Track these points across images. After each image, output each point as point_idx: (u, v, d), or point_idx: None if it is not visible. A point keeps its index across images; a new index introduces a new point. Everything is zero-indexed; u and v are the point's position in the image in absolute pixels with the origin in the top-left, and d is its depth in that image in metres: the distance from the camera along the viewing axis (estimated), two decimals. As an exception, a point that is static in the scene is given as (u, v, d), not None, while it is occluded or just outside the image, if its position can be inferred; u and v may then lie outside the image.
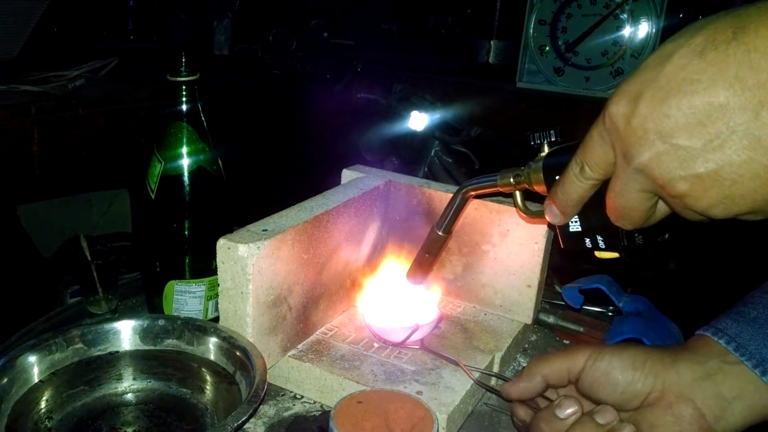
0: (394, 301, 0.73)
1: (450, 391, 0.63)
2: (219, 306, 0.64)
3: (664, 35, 1.40)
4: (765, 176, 0.38)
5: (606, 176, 0.46)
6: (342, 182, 0.82)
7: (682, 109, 0.39)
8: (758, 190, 0.38)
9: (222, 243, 0.61)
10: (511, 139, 1.29)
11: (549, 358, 0.57)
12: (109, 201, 1.79)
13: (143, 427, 0.60)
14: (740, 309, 0.54)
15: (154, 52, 1.77)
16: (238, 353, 0.62)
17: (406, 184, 0.81)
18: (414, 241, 0.80)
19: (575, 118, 1.46)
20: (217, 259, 0.62)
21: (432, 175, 1.25)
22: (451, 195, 0.67)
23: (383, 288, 0.75)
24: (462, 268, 0.80)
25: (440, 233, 0.67)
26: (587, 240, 0.53)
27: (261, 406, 0.64)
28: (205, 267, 0.72)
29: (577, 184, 0.48)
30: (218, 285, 0.63)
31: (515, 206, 0.60)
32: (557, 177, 0.51)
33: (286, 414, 0.64)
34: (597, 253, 0.54)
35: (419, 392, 0.62)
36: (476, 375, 0.65)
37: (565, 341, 0.82)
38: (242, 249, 0.59)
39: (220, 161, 0.73)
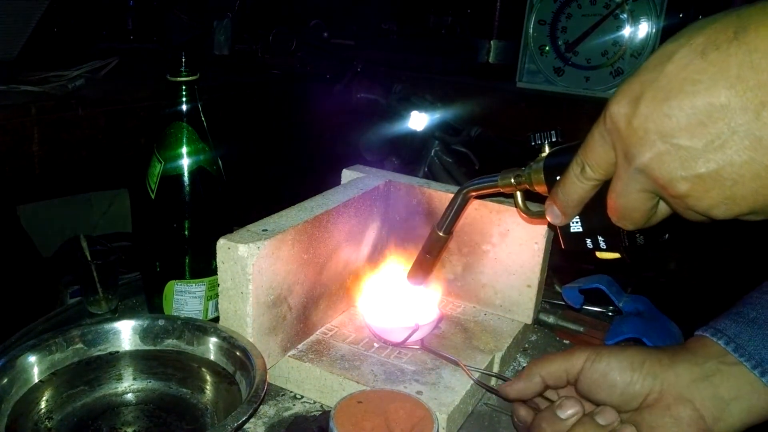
0: (394, 301, 0.73)
1: (450, 391, 0.63)
2: (219, 306, 0.64)
3: (664, 35, 1.40)
4: (766, 177, 0.38)
5: (607, 177, 0.46)
6: (342, 182, 0.82)
7: (684, 110, 0.39)
8: (759, 191, 0.38)
9: (222, 243, 0.61)
10: (511, 139, 1.29)
11: (548, 359, 0.57)
12: (109, 201, 1.79)
13: (143, 427, 0.60)
14: (739, 309, 0.54)
15: (154, 52, 1.77)
16: (238, 353, 0.62)
17: (406, 184, 0.81)
18: (414, 241, 0.80)
19: (575, 118, 1.46)
20: (217, 259, 0.62)
21: (432, 175, 1.25)
22: (452, 195, 0.67)
23: (383, 288, 0.75)
24: (462, 268, 0.80)
25: (441, 234, 0.67)
26: (588, 240, 0.53)
27: (261, 406, 0.64)
28: (205, 267, 0.72)
29: (578, 184, 0.48)
30: (218, 285, 0.63)
31: (516, 207, 0.60)
32: (558, 177, 0.51)
33: (286, 414, 0.64)
34: (598, 254, 0.54)
35: (419, 392, 0.62)
36: (476, 375, 0.65)
37: (565, 341, 0.82)
38: (242, 249, 0.59)
39: (220, 161, 0.73)
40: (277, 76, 1.77)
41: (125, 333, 0.66)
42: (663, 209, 0.46)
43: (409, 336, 0.68)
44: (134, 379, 0.65)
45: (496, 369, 0.72)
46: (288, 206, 0.69)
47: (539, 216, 0.56)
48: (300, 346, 0.69)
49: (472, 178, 0.64)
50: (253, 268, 0.60)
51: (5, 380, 0.57)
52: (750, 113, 0.37)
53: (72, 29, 1.73)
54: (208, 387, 0.64)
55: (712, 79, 0.38)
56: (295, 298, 0.67)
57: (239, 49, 1.82)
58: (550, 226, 0.59)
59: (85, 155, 1.27)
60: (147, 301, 0.77)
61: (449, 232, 0.67)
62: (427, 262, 0.70)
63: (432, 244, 0.68)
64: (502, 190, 0.60)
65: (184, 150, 0.70)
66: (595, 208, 0.49)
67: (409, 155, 1.28)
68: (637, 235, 0.50)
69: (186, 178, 0.70)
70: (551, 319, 0.84)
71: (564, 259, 0.81)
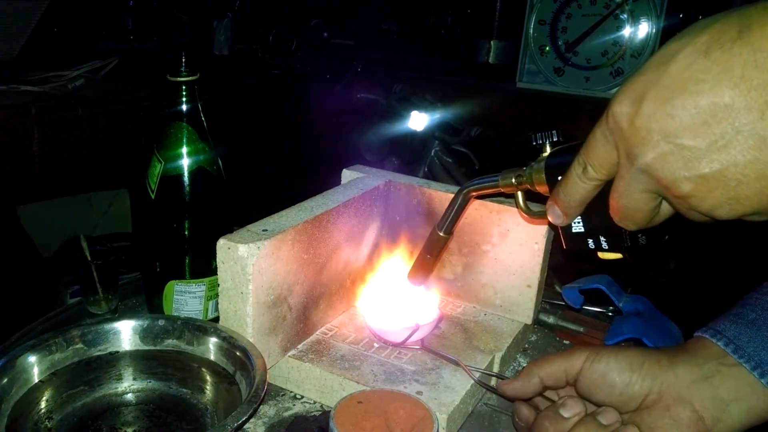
0: (394, 302, 0.73)
1: (450, 391, 0.63)
2: (219, 306, 0.64)
3: (664, 35, 1.40)
4: None
5: (609, 176, 0.46)
6: (342, 182, 0.82)
7: (687, 109, 0.39)
8: (763, 191, 0.38)
9: (222, 243, 0.61)
10: (511, 139, 1.29)
11: (547, 359, 0.57)
12: (109, 201, 1.79)
13: (143, 427, 0.60)
14: (739, 311, 0.54)
15: (154, 52, 1.77)
16: (238, 353, 0.62)
17: (406, 184, 0.81)
18: (414, 242, 0.80)
19: (575, 118, 1.46)
20: (217, 259, 0.62)
21: (432, 175, 1.25)
22: (452, 195, 0.67)
23: (383, 288, 0.75)
24: (462, 268, 0.80)
25: (441, 234, 0.67)
26: (590, 241, 0.53)
27: (261, 406, 0.64)
28: (205, 267, 0.72)
29: (579, 184, 0.48)
30: (218, 285, 0.63)
31: (517, 207, 0.60)
32: (559, 177, 0.51)
33: (286, 414, 0.64)
34: (600, 254, 0.53)
35: (419, 392, 0.62)
36: (477, 375, 0.65)
37: (565, 341, 0.82)
38: (242, 249, 0.59)
39: (220, 161, 0.73)
40: (277, 76, 1.77)
41: (125, 333, 0.66)
42: (666, 209, 0.46)
43: (410, 336, 0.68)
44: (134, 379, 0.65)
45: (496, 369, 0.72)
46: (288, 206, 0.69)
47: (540, 216, 0.56)
48: (300, 346, 0.69)
49: (473, 178, 0.64)
50: (253, 268, 0.60)
51: (5, 380, 0.57)
52: (754, 113, 0.37)
53: (72, 29, 1.73)
54: (208, 387, 0.64)
55: (716, 79, 0.38)
56: (295, 298, 0.67)
57: (239, 49, 1.82)
58: (552, 226, 0.59)
59: (85, 155, 1.27)
60: (147, 301, 0.77)
61: (450, 232, 0.67)
62: (427, 262, 0.70)
63: (432, 244, 0.68)
64: (502, 190, 0.60)
65: (184, 150, 0.70)
66: (597, 209, 0.49)
67: (409, 155, 1.28)
68: (640, 236, 0.50)
69: (186, 178, 0.70)
70: (551, 320, 0.83)
71: (564, 259, 0.81)
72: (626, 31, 1.44)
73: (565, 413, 0.52)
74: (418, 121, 1.27)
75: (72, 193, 1.72)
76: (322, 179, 0.84)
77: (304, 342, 0.70)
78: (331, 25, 1.84)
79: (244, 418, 0.52)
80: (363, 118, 1.38)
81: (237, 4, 1.78)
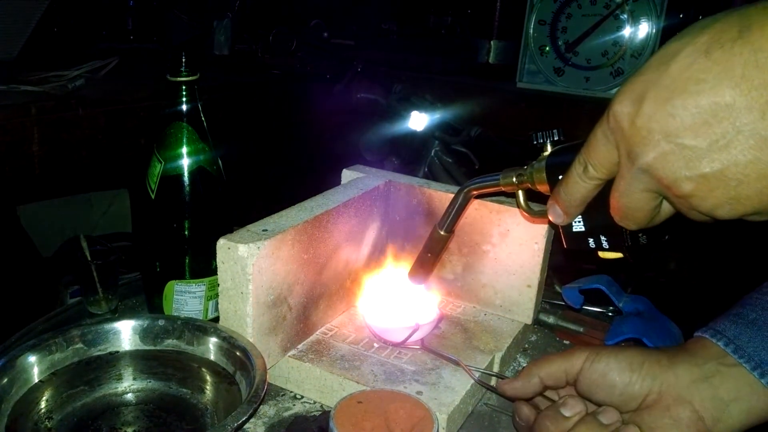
0: (394, 301, 0.73)
1: (450, 391, 0.63)
2: (219, 306, 0.64)
3: (664, 35, 1.40)
4: None
5: (610, 176, 0.46)
6: (342, 182, 0.82)
7: (688, 109, 0.39)
8: (764, 191, 0.38)
9: (222, 243, 0.61)
10: (511, 139, 1.29)
11: (547, 359, 0.57)
12: (109, 201, 1.79)
13: (143, 427, 0.60)
14: (739, 311, 0.54)
15: (154, 52, 1.77)
16: (238, 353, 0.62)
17: (406, 184, 0.81)
18: (414, 241, 0.80)
19: (575, 118, 1.46)
20: (217, 259, 0.62)
21: (432, 175, 1.25)
22: (452, 195, 0.67)
23: (383, 288, 0.75)
24: (462, 268, 0.80)
25: (442, 233, 0.67)
26: (591, 240, 0.53)
27: (261, 406, 0.64)
28: (205, 267, 0.72)
29: (580, 183, 0.48)
30: (218, 285, 0.63)
31: (518, 206, 0.60)
32: (560, 177, 0.51)
33: (286, 414, 0.64)
34: (600, 254, 0.53)
35: (419, 392, 0.62)
36: (477, 375, 0.65)
37: (565, 341, 0.82)
38: (242, 249, 0.59)
39: (220, 161, 0.73)
40: (277, 76, 1.77)
41: (125, 333, 0.66)
42: (666, 209, 0.46)
43: (410, 336, 0.68)
44: (134, 379, 0.65)
45: (496, 369, 0.72)
46: (288, 206, 0.69)
47: (541, 215, 0.56)
48: (300, 346, 0.69)
49: (473, 177, 0.64)
50: (253, 268, 0.60)
51: (5, 380, 0.57)
52: (755, 112, 0.37)
53: (72, 29, 1.73)
54: (208, 387, 0.64)
55: (717, 78, 0.38)
56: (295, 298, 0.67)
57: (239, 49, 1.82)
58: (552, 225, 0.59)
59: (85, 155, 1.27)
60: (147, 301, 0.77)
61: (450, 230, 0.67)
62: (428, 261, 0.70)
63: (433, 243, 0.68)
64: (503, 189, 0.60)
65: (184, 150, 0.70)
66: (597, 208, 0.49)
67: (409, 155, 1.28)
68: (640, 235, 0.50)
69: (186, 178, 0.70)
70: (551, 320, 0.83)
71: (564, 259, 0.81)
72: (626, 32, 1.44)
73: (566, 412, 0.52)
74: (418, 121, 1.27)
75: (72, 193, 1.72)
76: (322, 179, 0.84)
77: (304, 342, 0.70)
78: (331, 25, 1.84)
79: (244, 418, 0.52)
80: (363, 118, 1.38)
81: (237, 4, 1.78)
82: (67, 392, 0.61)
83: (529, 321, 0.78)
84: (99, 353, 0.64)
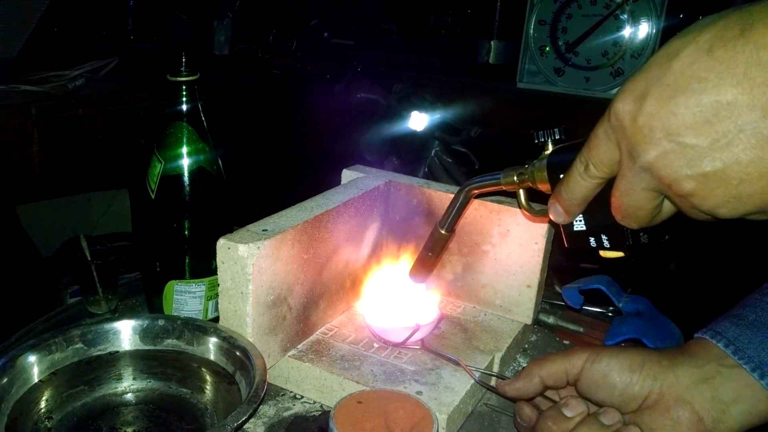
0: (394, 302, 0.73)
1: (450, 391, 0.63)
2: (219, 306, 0.64)
3: (664, 36, 1.40)
4: None
5: (611, 175, 0.46)
6: (342, 182, 0.82)
7: (690, 107, 0.39)
8: (766, 190, 0.38)
9: (222, 243, 0.61)
10: (511, 139, 1.29)
11: (547, 359, 0.57)
12: (109, 201, 1.79)
13: (143, 427, 0.60)
14: (739, 311, 0.54)
15: (154, 52, 1.77)
16: (238, 353, 0.62)
17: (406, 184, 0.81)
18: (414, 241, 0.80)
19: (575, 118, 1.46)
20: (217, 259, 0.62)
21: (432, 175, 1.25)
22: (452, 195, 0.67)
23: (383, 288, 0.75)
24: (462, 268, 0.80)
25: (443, 232, 0.67)
26: (592, 239, 0.53)
27: (261, 406, 0.64)
28: (205, 267, 0.72)
29: (581, 182, 0.48)
30: (218, 285, 0.63)
31: (519, 205, 0.60)
32: (561, 176, 0.51)
33: (285, 414, 0.64)
34: (601, 253, 0.53)
35: (419, 392, 0.62)
36: (477, 375, 0.65)
37: (565, 342, 0.82)
38: (242, 249, 0.59)
39: (220, 161, 0.73)
40: (277, 76, 1.77)
41: (125, 333, 0.66)
42: (667, 208, 0.46)
43: (410, 336, 0.68)
44: (134, 379, 0.65)
45: (496, 369, 0.71)
46: (288, 206, 0.69)
47: (542, 214, 0.56)
48: (300, 346, 0.69)
49: (474, 176, 0.64)
50: (253, 268, 0.60)
51: (5, 380, 0.57)
52: (757, 111, 0.37)
53: (72, 29, 1.72)
54: (207, 387, 0.64)
55: (719, 77, 0.38)
56: (295, 298, 0.67)
57: (239, 49, 1.82)
58: (553, 224, 0.59)
59: (85, 155, 1.27)
60: (147, 301, 0.77)
61: (451, 229, 0.67)
62: (428, 260, 0.70)
63: (434, 242, 0.68)
64: (504, 188, 0.60)
65: (184, 150, 0.70)
66: (598, 207, 0.49)
67: (409, 155, 1.28)
68: (641, 234, 0.50)
69: (186, 178, 0.70)
70: (551, 320, 0.83)
71: (564, 259, 0.81)
72: (626, 32, 1.44)
73: (568, 413, 0.52)
74: (418, 121, 1.27)
75: (72, 193, 1.72)
76: (322, 179, 0.84)
77: (304, 342, 0.70)
78: (331, 25, 1.84)
79: (243, 418, 0.52)
80: (363, 118, 1.38)
81: (237, 4, 1.78)
82: (67, 392, 0.61)
83: (529, 321, 0.78)
84: (99, 353, 0.64)
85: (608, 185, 0.47)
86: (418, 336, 0.68)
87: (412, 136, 1.27)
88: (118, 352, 0.65)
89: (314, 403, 0.66)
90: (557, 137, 0.54)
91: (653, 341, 0.72)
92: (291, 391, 0.68)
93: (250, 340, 0.62)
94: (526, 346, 0.80)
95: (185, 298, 0.73)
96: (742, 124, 0.37)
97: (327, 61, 1.68)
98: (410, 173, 0.91)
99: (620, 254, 0.52)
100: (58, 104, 1.22)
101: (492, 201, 0.76)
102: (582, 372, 0.54)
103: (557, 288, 0.88)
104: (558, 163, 0.53)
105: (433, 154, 1.27)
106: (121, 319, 0.66)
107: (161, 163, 0.70)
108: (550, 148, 0.55)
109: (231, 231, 0.63)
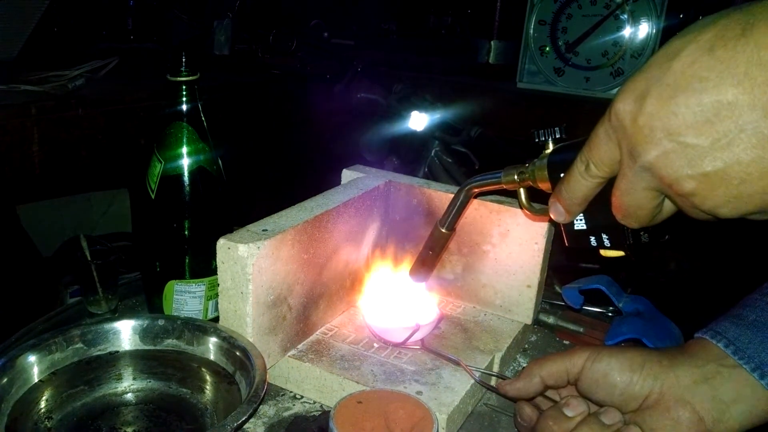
0: (394, 302, 0.73)
1: (450, 392, 0.63)
2: (219, 306, 0.64)
3: (664, 36, 1.40)
4: None
5: (612, 174, 0.46)
6: (342, 182, 0.82)
7: (690, 107, 0.39)
8: (767, 189, 0.38)
9: (222, 243, 0.61)
10: (511, 139, 1.29)
11: (548, 359, 0.57)
12: (109, 201, 1.79)
13: (143, 427, 0.60)
14: (739, 311, 0.54)
15: (154, 52, 1.77)
16: (238, 353, 0.62)
17: (406, 184, 0.81)
18: (414, 241, 0.80)
19: (575, 118, 1.46)
20: (217, 259, 0.62)
21: (432, 175, 1.25)
22: (451, 195, 0.67)
23: (383, 288, 0.75)
24: (462, 268, 0.80)
25: (443, 230, 0.67)
26: (592, 238, 0.53)
27: (261, 406, 0.64)
28: (205, 267, 0.72)
29: (582, 182, 0.48)
30: (218, 285, 0.63)
31: (519, 204, 0.60)
32: (562, 175, 0.51)
33: (285, 414, 0.64)
34: (602, 252, 0.53)
35: (419, 392, 0.62)
36: (478, 375, 0.65)
37: (565, 342, 0.82)
38: (242, 249, 0.59)
39: (220, 161, 0.73)
40: (277, 76, 1.77)
41: (125, 333, 0.66)
42: (668, 207, 0.46)
43: (410, 336, 0.68)
44: (134, 378, 0.65)
45: (496, 369, 0.71)
46: (288, 206, 0.69)
47: (543, 213, 0.56)
48: (300, 346, 0.69)
49: (475, 175, 0.64)
50: (253, 268, 0.60)
51: (5, 380, 0.57)
52: (758, 111, 0.37)
53: (72, 29, 1.72)
54: (207, 387, 0.64)
55: (720, 77, 0.37)
56: (295, 298, 0.67)
57: (239, 49, 1.82)
58: (554, 223, 0.59)
59: (85, 155, 1.27)
60: (147, 301, 0.77)
61: (452, 228, 0.67)
62: (429, 259, 0.70)
63: (434, 241, 0.68)
64: (505, 187, 0.60)
65: (184, 150, 0.70)
66: (599, 206, 0.49)
67: (409, 155, 1.28)
68: (642, 233, 0.50)
69: (186, 178, 0.70)
70: (551, 320, 0.83)
71: (564, 259, 0.81)
72: (626, 32, 1.44)
73: (569, 412, 0.52)
74: (418, 121, 1.27)
75: (72, 193, 1.72)
76: (322, 179, 0.84)
77: (304, 342, 0.70)
78: (331, 25, 1.84)
79: (243, 418, 0.52)
80: (363, 118, 1.38)
81: (237, 4, 1.78)
82: (67, 392, 0.61)
83: (529, 321, 0.78)
84: (99, 353, 0.64)
85: (609, 184, 0.47)
86: (418, 336, 0.68)
87: (412, 136, 1.27)
88: (118, 352, 0.65)
89: (314, 403, 0.66)
90: (558, 136, 0.54)
91: (653, 341, 0.72)
92: (291, 391, 0.68)
93: (250, 340, 0.62)
94: (526, 346, 0.80)
95: (185, 298, 0.73)
96: (743, 124, 0.37)
97: (327, 61, 1.68)
98: (410, 173, 0.91)
99: (621, 253, 0.52)
100: (58, 104, 1.22)
101: (492, 201, 0.76)
102: (582, 371, 0.54)
103: (557, 288, 0.88)
104: (559, 162, 0.53)
105: (433, 154, 1.27)
106: (121, 319, 0.66)
107: (161, 163, 0.70)
108: (551, 147, 0.54)
109: (231, 231, 0.63)
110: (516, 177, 0.58)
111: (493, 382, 0.68)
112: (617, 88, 0.47)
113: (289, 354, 0.68)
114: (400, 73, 1.64)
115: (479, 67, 1.72)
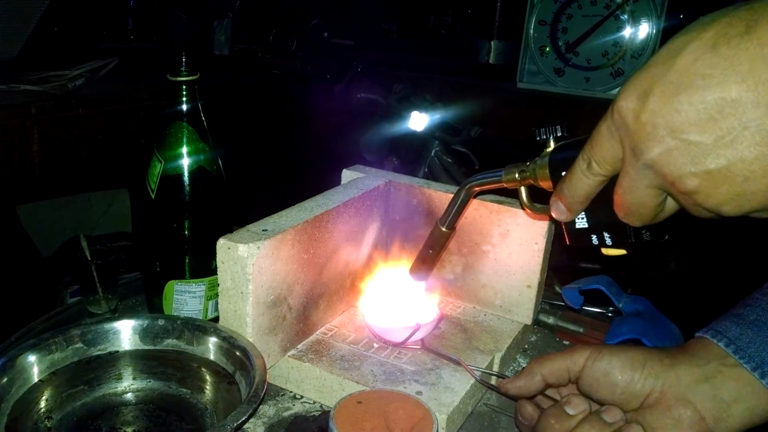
0: (394, 301, 0.73)
1: (450, 392, 0.63)
2: (219, 306, 0.64)
3: (664, 36, 1.40)
4: None
5: (614, 172, 0.46)
6: (342, 182, 0.82)
7: (694, 104, 0.38)
8: None
9: (222, 243, 0.61)
10: (511, 139, 1.29)
11: (549, 357, 0.57)
12: (109, 201, 1.79)
13: (143, 427, 0.60)
14: (740, 311, 0.54)
15: (154, 52, 1.77)
16: (237, 353, 0.62)
17: (406, 184, 0.81)
18: (414, 241, 0.80)
19: (575, 118, 1.45)
20: (217, 259, 0.62)
21: (432, 175, 1.25)
22: (451, 195, 0.67)
23: (383, 288, 0.75)
24: (462, 269, 0.80)
25: (444, 229, 0.67)
26: (594, 237, 0.53)
27: (261, 406, 0.64)
28: (204, 267, 0.72)
29: (584, 180, 0.48)
30: (218, 285, 0.63)
31: (520, 202, 0.60)
32: (563, 173, 0.50)
33: (285, 414, 0.64)
34: (603, 250, 0.53)
35: (419, 392, 0.62)
36: (478, 374, 0.65)
37: (565, 342, 0.82)
38: (242, 249, 0.59)
39: (220, 161, 0.73)
40: (277, 76, 1.77)
41: (125, 333, 0.66)
42: (671, 205, 0.45)
43: (410, 336, 0.68)
44: (134, 378, 0.65)
45: (496, 369, 0.71)
46: (288, 206, 0.69)
47: (544, 212, 0.56)
48: (300, 346, 0.69)
49: (476, 174, 0.64)
50: (253, 268, 0.60)
51: (5, 379, 0.57)
52: (762, 108, 0.37)
53: (72, 29, 1.72)
54: (207, 387, 0.64)
55: (723, 74, 0.37)
56: (295, 298, 0.67)
57: (239, 49, 1.82)
58: (555, 222, 0.59)
59: (85, 155, 1.27)
60: (147, 301, 0.77)
61: (452, 227, 0.67)
62: (429, 258, 0.70)
63: (435, 240, 0.68)
64: (506, 186, 0.60)
65: (184, 150, 0.70)
66: (601, 204, 0.49)
67: (409, 155, 1.28)
68: (644, 231, 0.50)
69: (186, 178, 0.70)
70: (551, 320, 0.83)
71: (565, 258, 0.81)
72: (627, 32, 1.44)
73: (571, 411, 0.52)
74: (418, 121, 1.27)
75: (72, 193, 1.72)
76: (322, 179, 0.84)
77: (304, 342, 0.70)
78: (331, 25, 1.84)
79: (243, 418, 0.52)
80: (363, 118, 1.38)
81: (237, 4, 1.78)
82: (66, 392, 0.61)
83: (528, 321, 0.78)
84: (99, 353, 0.64)
85: (611, 182, 0.46)
86: (418, 336, 0.68)
87: (412, 136, 1.27)
88: (118, 351, 0.65)
89: (314, 403, 0.66)
90: (559, 134, 0.54)
91: (653, 341, 0.72)
92: (291, 391, 0.68)
93: (250, 340, 0.62)
94: (526, 346, 0.80)
95: (185, 298, 0.73)
96: (747, 121, 0.37)
97: (327, 61, 1.68)
98: (410, 173, 0.91)
99: (622, 252, 0.52)
100: (58, 104, 1.22)
101: (492, 201, 0.75)
102: (584, 370, 0.54)
103: (557, 288, 0.88)
104: (560, 161, 0.52)
105: (433, 154, 1.27)
106: (121, 319, 0.66)
107: (161, 163, 0.70)
108: (552, 145, 0.54)
109: (231, 231, 0.63)
110: (517, 175, 0.58)
111: (493, 381, 0.68)
112: (617, 89, 0.47)
113: (289, 354, 0.68)
114: (400, 73, 1.64)
115: (479, 67, 1.72)
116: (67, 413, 0.59)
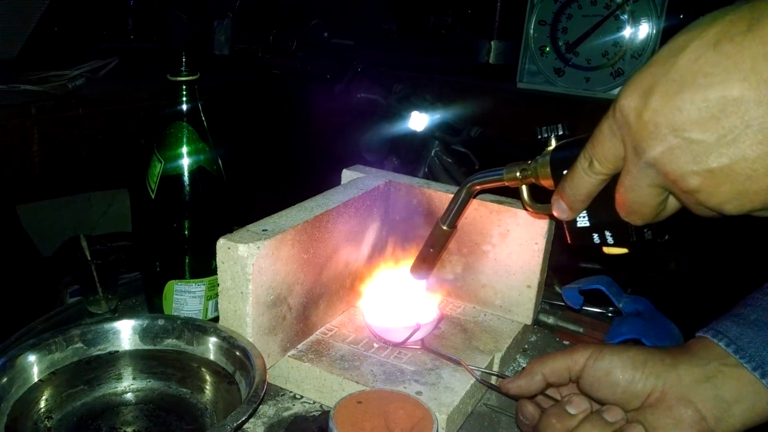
0: (394, 301, 0.73)
1: (449, 392, 0.63)
2: (219, 306, 0.64)
3: (664, 36, 1.40)
4: None
5: (615, 171, 0.46)
6: (342, 182, 0.82)
7: (696, 103, 0.38)
8: None
9: (222, 243, 0.61)
10: (511, 139, 1.29)
11: (550, 356, 0.57)
12: (109, 201, 1.79)
13: (143, 427, 0.60)
14: (740, 311, 0.54)
15: (154, 52, 1.77)
16: (237, 353, 0.62)
17: (406, 184, 0.81)
18: (414, 241, 0.80)
19: (575, 118, 1.45)
20: (217, 259, 0.62)
21: (432, 175, 1.25)
22: (451, 195, 0.67)
23: (383, 288, 0.75)
24: (462, 269, 0.80)
25: (445, 228, 0.67)
26: (595, 235, 0.52)
27: (260, 406, 0.64)
28: (204, 267, 0.72)
29: (585, 178, 0.48)
30: (218, 285, 0.63)
31: (521, 201, 0.60)
32: (565, 171, 0.50)
33: (285, 414, 0.64)
34: (605, 249, 0.53)
35: (419, 392, 0.62)
36: (478, 374, 0.65)
37: (564, 342, 0.82)
38: (242, 249, 0.59)
39: (220, 161, 0.73)
40: (277, 76, 1.77)
41: (125, 333, 0.66)
42: (672, 204, 0.45)
43: (410, 336, 0.68)
44: (134, 378, 0.65)
45: (496, 369, 0.71)
46: (288, 206, 0.69)
47: (545, 211, 0.56)
48: (300, 346, 0.69)
49: (476, 172, 0.64)
50: (253, 268, 0.60)
51: (5, 379, 0.57)
52: (764, 106, 0.36)
53: (72, 29, 1.72)
54: (207, 387, 0.64)
55: (726, 72, 0.37)
56: (295, 298, 0.67)
57: (239, 49, 1.82)
58: (556, 220, 0.59)
59: (84, 155, 1.27)
60: (147, 301, 0.77)
61: (453, 225, 0.67)
62: (430, 256, 0.70)
63: (435, 238, 0.68)
64: (507, 184, 0.60)
65: (184, 150, 0.70)
66: (602, 203, 0.49)
67: (409, 155, 1.28)
68: (645, 230, 0.50)
69: (186, 178, 0.70)
70: (551, 320, 0.83)
71: (565, 258, 0.81)
72: (627, 32, 1.44)
73: (572, 410, 0.52)
74: (418, 121, 1.27)
75: (72, 193, 1.72)
76: (322, 179, 0.84)
77: (304, 342, 0.70)
78: (331, 25, 1.84)
79: (243, 418, 0.52)
80: (363, 118, 1.38)
81: (237, 4, 1.78)
82: (66, 392, 0.61)
83: (528, 321, 0.78)
84: (99, 353, 0.64)
85: (612, 181, 0.46)
86: (418, 336, 0.68)
87: (412, 136, 1.27)
88: (117, 351, 0.65)
89: (314, 403, 0.66)
90: (561, 133, 0.54)
91: (653, 341, 0.72)
92: (291, 391, 0.68)
93: (250, 340, 0.62)
94: (526, 346, 0.80)
95: (185, 297, 0.73)
96: (749, 120, 0.37)
97: (327, 61, 1.68)
98: (410, 173, 0.91)
99: (624, 251, 0.52)
100: (58, 104, 1.22)
101: (492, 201, 0.75)
102: (584, 369, 0.54)
103: (557, 288, 0.88)
104: (561, 159, 0.52)
105: (433, 154, 1.27)
106: (121, 319, 0.66)
107: (161, 163, 0.70)
108: (554, 143, 0.54)
109: (231, 231, 0.63)
110: (518, 174, 0.57)
111: (493, 381, 0.68)
112: (618, 89, 0.47)
113: (289, 354, 0.68)
114: (400, 73, 1.64)
115: (479, 67, 1.72)
116: (67, 413, 0.59)
